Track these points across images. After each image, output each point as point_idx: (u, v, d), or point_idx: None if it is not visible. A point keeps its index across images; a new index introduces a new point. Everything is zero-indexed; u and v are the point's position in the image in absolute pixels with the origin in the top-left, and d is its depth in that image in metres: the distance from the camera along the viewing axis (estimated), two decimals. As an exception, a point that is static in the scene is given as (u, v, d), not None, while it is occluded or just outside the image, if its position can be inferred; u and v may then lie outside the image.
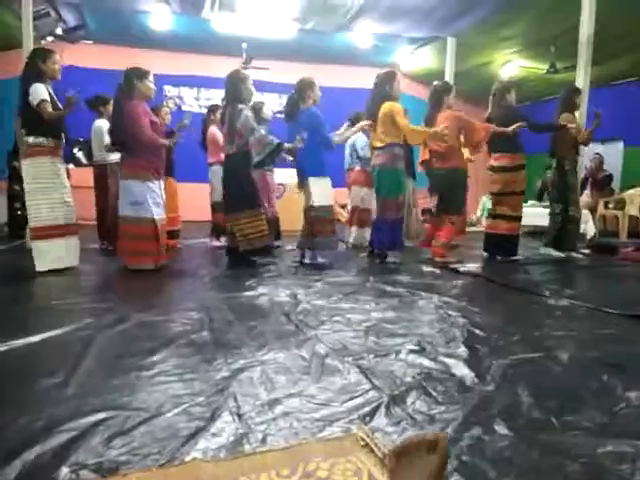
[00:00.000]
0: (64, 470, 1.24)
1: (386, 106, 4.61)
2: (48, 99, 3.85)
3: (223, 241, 5.51)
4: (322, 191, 4.58)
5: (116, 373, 1.87)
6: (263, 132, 4.54)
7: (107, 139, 4.96)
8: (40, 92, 3.82)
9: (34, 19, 6.54)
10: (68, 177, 4.23)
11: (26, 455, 1.30)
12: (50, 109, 3.84)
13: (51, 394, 1.69)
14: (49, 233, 3.96)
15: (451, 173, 4.85)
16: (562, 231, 5.30)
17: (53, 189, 3.97)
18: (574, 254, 5.36)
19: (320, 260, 4.66)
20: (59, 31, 7.75)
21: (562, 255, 5.28)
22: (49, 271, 3.93)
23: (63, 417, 1.50)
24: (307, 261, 4.70)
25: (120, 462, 1.28)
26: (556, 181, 5.33)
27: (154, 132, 4.14)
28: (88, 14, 7.52)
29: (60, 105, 4.01)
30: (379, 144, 4.75)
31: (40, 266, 3.92)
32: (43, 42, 7.54)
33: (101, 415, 1.52)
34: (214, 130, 5.66)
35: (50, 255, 3.97)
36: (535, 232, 7.32)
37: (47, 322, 2.52)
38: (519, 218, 5.17)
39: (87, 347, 2.15)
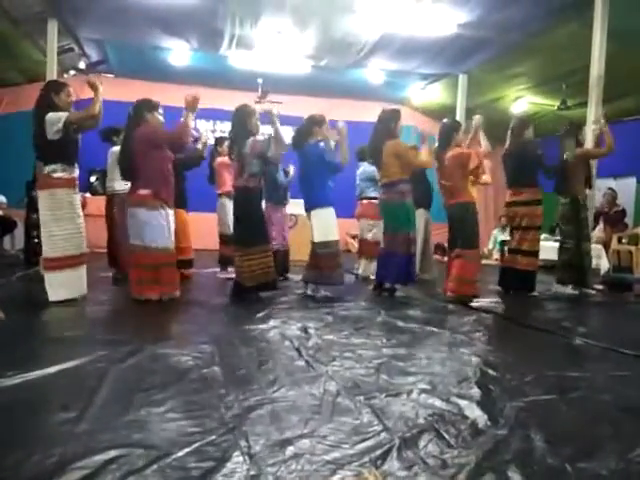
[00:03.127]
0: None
1: (391, 145, 4.67)
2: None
3: (230, 272, 5.52)
4: (324, 226, 4.56)
5: (128, 409, 1.88)
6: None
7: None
8: (59, 114, 3.83)
9: (58, 54, 6.81)
10: (84, 206, 4.27)
11: (39, 493, 1.30)
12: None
13: (64, 430, 1.70)
14: (62, 264, 3.97)
15: (458, 208, 4.81)
16: (576, 266, 5.25)
17: (68, 220, 3.99)
18: (587, 290, 5.31)
19: (322, 293, 4.65)
20: (82, 65, 8.06)
21: (575, 292, 5.23)
22: (61, 300, 3.93)
23: (76, 454, 1.51)
24: (309, 292, 4.70)
25: (132, 503, 1.28)
26: (569, 216, 5.30)
27: (166, 157, 4.20)
28: (110, 49, 7.82)
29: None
30: (385, 181, 4.81)
31: (53, 296, 3.93)
32: (66, 75, 7.83)
33: (113, 453, 1.52)
34: (221, 162, 5.75)
35: (63, 285, 3.98)
36: (547, 266, 7.26)
37: (60, 354, 2.54)
38: (537, 253, 5.16)
39: (100, 381, 2.16)
